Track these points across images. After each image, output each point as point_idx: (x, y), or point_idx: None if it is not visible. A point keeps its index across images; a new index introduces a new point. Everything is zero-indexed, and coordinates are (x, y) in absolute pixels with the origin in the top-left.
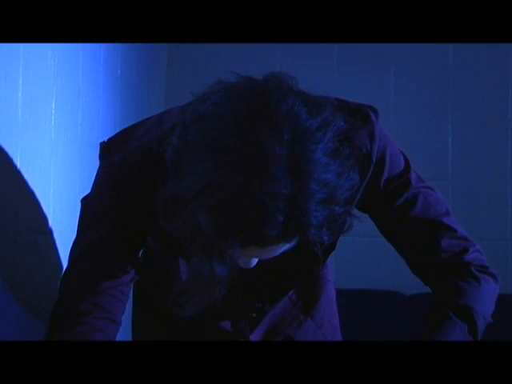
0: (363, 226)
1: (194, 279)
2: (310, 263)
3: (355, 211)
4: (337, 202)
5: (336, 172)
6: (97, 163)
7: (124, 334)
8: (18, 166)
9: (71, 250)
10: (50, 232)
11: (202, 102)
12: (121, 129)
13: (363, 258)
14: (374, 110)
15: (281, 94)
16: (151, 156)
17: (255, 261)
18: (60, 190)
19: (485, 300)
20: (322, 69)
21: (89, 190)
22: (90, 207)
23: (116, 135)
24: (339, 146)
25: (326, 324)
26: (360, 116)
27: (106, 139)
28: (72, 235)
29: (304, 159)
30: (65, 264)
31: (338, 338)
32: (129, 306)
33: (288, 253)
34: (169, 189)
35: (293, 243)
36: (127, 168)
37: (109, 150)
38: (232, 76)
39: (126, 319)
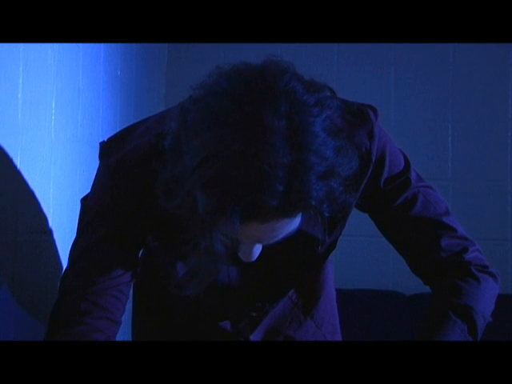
0: (363, 226)
1: (195, 257)
2: (311, 262)
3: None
4: (336, 179)
5: (334, 149)
6: (97, 163)
7: (124, 334)
8: (18, 166)
9: (71, 249)
10: (50, 232)
11: (199, 88)
12: (121, 129)
13: (363, 258)
14: (374, 110)
15: (278, 71)
16: (151, 154)
17: (257, 251)
18: (60, 190)
19: (485, 299)
20: (321, 68)
21: (89, 190)
22: (90, 207)
23: (116, 135)
24: (337, 126)
25: (327, 324)
26: (359, 115)
27: (105, 139)
28: (72, 235)
29: (302, 130)
30: (65, 264)
31: (338, 338)
32: (129, 306)
33: (288, 250)
34: (168, 171)
35: (294, 226)
36: (127, 167)
37: (109, 150)
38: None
39: (126, 319)
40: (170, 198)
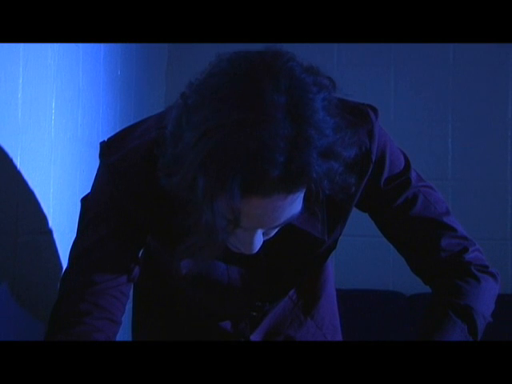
0: (363, 226)
1: (196, 235)
2: (311, 262)
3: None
4: (336, 160)
5: (333, 128)
6: (97, 163)
7: (124, 334)
8: (18, 166)
9: (71, 249)
10: (49, 232)
11: (199, 74)
12: (121, 129)
13: (363, 258)
14: (374, 109)
15: (277, 53)
16: (151, 153)
17: (258, 242)
18: (60, 190)
19: (485, 299)
20: (322, 68)
21: (89, 190)
22: (90, 207)
23: (116, 135)
24: (335, 108)
25: (327, 324)
26: (359, 115)
27: (105, 139)
28: (72, 235)
29: (302, 105)
30: (65, 264)
31: (339, 338)
32: (129, 306)
33: (288, 249)
34: (169, 152)
35: (295, 210)
36: (127, 166)
37: (109, 150)
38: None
39: (126, 319)
40: (170, 178)
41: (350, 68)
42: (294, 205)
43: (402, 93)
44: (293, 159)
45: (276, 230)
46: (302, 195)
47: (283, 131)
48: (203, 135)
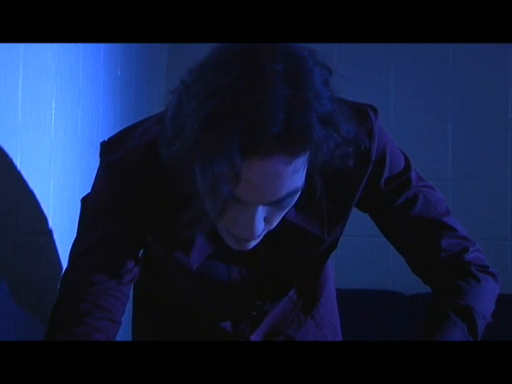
0: (363, 226)
1: (199, 200)
2: (311, 261)
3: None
4: (335, 129)
5: (330, 99)
6: (97, 163)
7: (124, 334)
8: (18, 166)
9: (71, 249)
10: (49, 232)
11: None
12: (121, 129)
13: (363, 258)
14: (374, 109)
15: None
16: (151, 152)
17: (259, 225)
18: (60, 190)
19: (485, 299)
20: None
21: (89, 190)
22: (90, 207)
23: (116, 135)
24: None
25: (327, 324)
26: (359, 114)
27: (106, 139)
28: (72, 235)
29: (300, 72)
30: (65, 264)
31: (339, 338)
32: (129, 306)
33: (288, 248)
34: (169, 125)
35: (296, 184)
36: (127, 165)
37: (109, 149)
38: None
39: (126, 319)
40: (171, 146)
41: (349, 68)
42: (295, 177)
43: (401, 93)
44: (292, 117)
45: (278, 216)
46: (303, 169)
47: (282, 92)
48: (202, 100)
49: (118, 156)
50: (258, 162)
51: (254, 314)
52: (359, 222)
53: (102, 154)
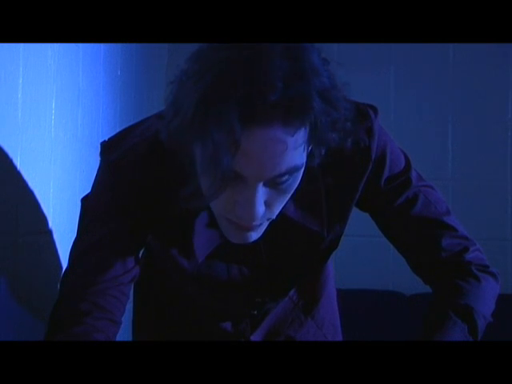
0: (363, 226)
1: (201, 172)
2: (311, 259)
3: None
4: (333, 107)
5: (328, 76)
6: (97, 163)
7: (124, 334)
8: (18, 166)
9: (71, 249)
10: (49, 232)
11: None
12: (121, 129)
13: (363, 258)
14: (374, 108)
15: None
16: (151, 150)
17: (260, 206)
18: (60, 190)
19: (485, 299)
20: None
21: (89, 190)
22: (90, 206)
23: (116, 134)
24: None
25: (327, 324)
26: (358, 112)
27: (106, 139)
28: (72, 235)
29: (298, 49)
30: (65, 264)
31: (339, 338)
32: (129, 306)
33: (288, 244)
34: (169, 111)
35: (297, 161)
36: (127, 163)
37: (109, 148)
38: None
39: (126, 319)
40: (171, 122)
41: (349, 68)
42: (295, 153)
43: (401, 93)
44: (291, 86)
45: (278, 201)
46: (303, 148)
47: (280, 64)
48: (200, 76)
49: (118, 154)
50: (257, 131)
51: (255, 312)
52: (359, 222)
53: (102, 154)
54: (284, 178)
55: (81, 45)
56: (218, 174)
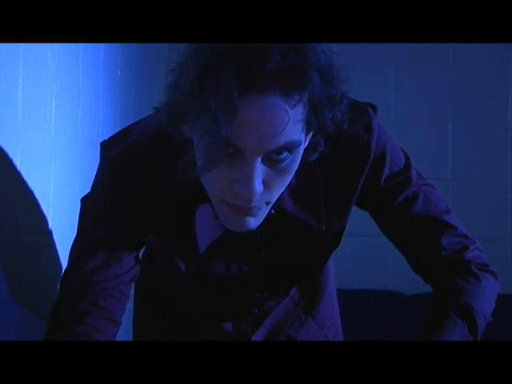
0: (363, 226)
1: (199, 144)
2: (310, 255)
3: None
4: (329, 81)
5: (326, 57)
6: (96, 163)
7: (124, 334)
8: (18, 166)
9: (71, 249)
10: (49, 232)
11: None
12: (121, 128)
13: (363, 258)
14: (373, 106)
15: None
16: (152, 145)
17: (258, 184)
18: (60, 190)
19: (485, 298)
20: None
21: (89, 190)
22: (90, 206)
23: (116, 133)
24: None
25: (328, 324)
26: (356, 109)
27: (106, 138)
28: (72, 235)
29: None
30: (65, 264)
31: (340, 338)
32: (129, 306)
33: (287, 241)
34: (170, 92)
35: (295, 135)
36: (127, 158)
37: (109, 147)
38: None
39: (126, 319)
40: (171, 95)
41: (349, 68)
42: (294, 128)
43: (401, 93)
44: (288, 57)
45: (276, 182)
46: (302, 125)
47: (279, 44)
48: (199, 52)
49: (118, 150)
50: (255, 99)
51: (256, 311)
52: (359, 222)
53: (102, 152)
54: (283, 156)
55: (81, 45)
56: (215, 150)
